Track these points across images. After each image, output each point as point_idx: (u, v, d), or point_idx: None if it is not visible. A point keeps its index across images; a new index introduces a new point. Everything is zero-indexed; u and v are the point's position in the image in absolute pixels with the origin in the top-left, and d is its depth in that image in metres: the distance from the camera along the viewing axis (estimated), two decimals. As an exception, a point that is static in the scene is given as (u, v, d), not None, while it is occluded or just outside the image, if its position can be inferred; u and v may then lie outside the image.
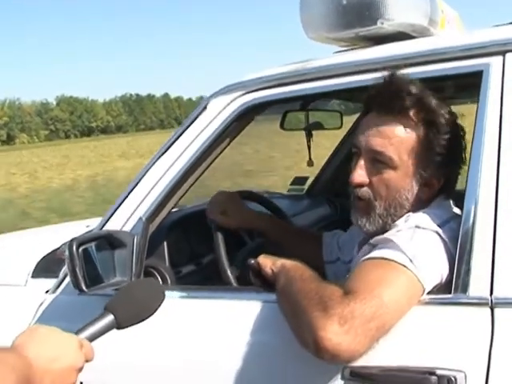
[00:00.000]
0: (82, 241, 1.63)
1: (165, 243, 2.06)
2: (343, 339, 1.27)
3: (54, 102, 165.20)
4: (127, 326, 1.27)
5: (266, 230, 2.10)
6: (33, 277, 2.03)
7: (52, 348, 1.11)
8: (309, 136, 2.63)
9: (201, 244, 2.21)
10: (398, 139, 1.55)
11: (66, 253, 1.61)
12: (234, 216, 1.98)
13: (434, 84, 1.58)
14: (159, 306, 1.32)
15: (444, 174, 1.59)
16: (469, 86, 1.56)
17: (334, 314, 1.29)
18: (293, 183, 3.23)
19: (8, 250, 2.54)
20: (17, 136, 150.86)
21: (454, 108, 1.64)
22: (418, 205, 1.59)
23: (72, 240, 1.61)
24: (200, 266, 2.21)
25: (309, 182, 3.23)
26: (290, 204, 2.97)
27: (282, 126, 2.48)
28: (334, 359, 1.30)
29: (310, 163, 2.67)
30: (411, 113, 1.54)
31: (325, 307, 1.31)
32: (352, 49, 1.80)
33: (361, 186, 1.61)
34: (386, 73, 1.54)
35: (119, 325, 1.26)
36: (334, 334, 1.27)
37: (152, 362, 1.64)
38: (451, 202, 1.62)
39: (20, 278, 2.05)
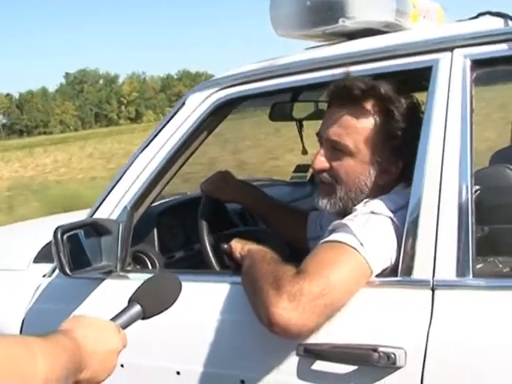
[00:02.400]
0: (66, 228, 1.76)
1: (155, 229, 2.18)
2: (292, 315, 1.39)
3: (175, 77, 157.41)
4: (151, 316, 1.35)
5: (252, 204, 2.22)
6: (34, 262, 2.18)
7: (97, 332, 1.19)
8: (300, 126, 2.73)
9: (195, 230, 2.33)
10: (353, 128, 1.67)
11: (52, 239, 1.75)
12: (224, 188, 2.11)
13: (389, 80, 1.66)
14: (178, 295, 1.40)
15: (402, 160, 1.68)
16: (422, 80, 1.63)
17: (284, 291, 1.41)
18: (295, 171, 3.32)
19: (15, 237, 2.71)
20: (144, 113, 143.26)
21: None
22: (378, 191, 1.69)
23: (57, 228, 1.75)
24: (193, 252, 2.33)
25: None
26: (293, 190, 3.08)
27: (270, 117, 2.59)
28: (284, 333, 1.42)
29: (304, 152, 2.76)
30: (365, 102, 1.65)
31: (277, 286, 1.43)
32: (322, 45, 1.89)
33: (322, 171, 1.74)
34: (343, 69, 1.65)
35: (145, 315, 1.33)
36: (284, 309, 1.39)
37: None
38: (410, 189, 1.71)
39: (23, 262, 2.20)
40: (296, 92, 2.26)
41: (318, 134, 1.77)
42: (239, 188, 2.19)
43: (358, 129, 1.67)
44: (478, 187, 1.59)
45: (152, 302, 1.35)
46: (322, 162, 1.73)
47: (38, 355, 1.00)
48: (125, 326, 1.29)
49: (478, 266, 1.53)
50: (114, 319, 1.28)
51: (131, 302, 1.33)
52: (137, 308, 1.32)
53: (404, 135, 1.66)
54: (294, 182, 3.28)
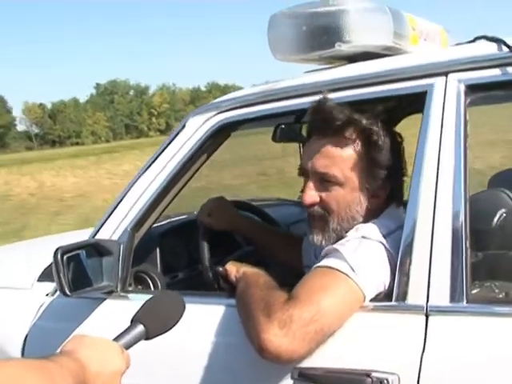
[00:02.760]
0: (66, 249, 1.79)
1: (157, 250, 2.20)
2: (282, 341, 1.40)
3: (204, 89, 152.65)
4: (155, 337, 1.34)
5: (249, 233, 2.24)
6: (39, 280, 2.21)
7: (101, 352, 1.18)
8: (303, 147, 2.73)
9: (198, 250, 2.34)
10: (339, 158, 1.68)
11: (53, 260, 1.77)
12: (219, 218, 2.11)
13: (384, 104, 1.68)
14: (181, 315, 1.39)
15: (389, 184, 1.69)
16: (417, 104, 1.64)
17: (275, 318, 1.42)
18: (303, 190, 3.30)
19: (20, 257, 2.74)
20: (173, 125, 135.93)
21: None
22: (369, 216, 1.69)
23: (57, 248, 1.77)
24: (196, 272, 2.34)
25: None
26: (300, 210, 3.07)
27: (273, 138, 2.60)
28: (275, 359, 1.43)
29: (300, 174, 2.75)
30: (346, 133, 1.66)
31: (268, 312, 1.45)
32: (322, 68, 1.91)
33: (313, 205, 1.73)
34: (318, 98, 1.67)
35: (148, 335, 1.32)
36: (274, 336, 1.41)
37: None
38: (401, 211, 1.72)
39: (27, 281, 2.23)
40: (296, 115, 2.27)
41: (300, 168, 1.78)
42: (233, 217, 2.20)
43: (344, 158, 1.68)
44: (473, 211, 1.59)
45: (155, 322, 1.34)
46: (312, 196, 1.73)
47: (44, 379, 1.00)
48: (128, 347, 1.28)
49: (474, 291, 1.53)
50: (117, 339, 1.27)
51: (134, 321, 1.32)
52: (140, 328, 1.31)
53: (387, 159, 1.67)
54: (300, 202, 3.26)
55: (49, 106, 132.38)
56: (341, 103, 1.67)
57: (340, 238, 1.68)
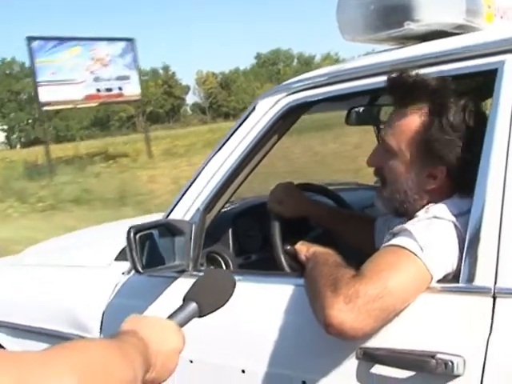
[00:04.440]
0: (138, 228, 1.84)
1: (230, 231, 2.24)
2: (347, 316, 1.40)
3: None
4: (207, 314, 1.35)
5: (319, 219, 2.24)
6: (116, 259, 2.29)
7: (160, 332, 1.19)
8: (377, 130, 2.71)
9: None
10: (399, 130, 1.67)
11: (126, 239, 1.83)
12: (288, 205, 2.12)
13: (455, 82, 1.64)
14: (232, 293, 1.41)
15: (452, 166, 1.64)
16: (488, 83, 1.60)
17: (340, 293, 1.43)
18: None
19: (102, 237, 2.85)
20: None
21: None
22: (427, 195, 1.68)
23: (130, 228, 1.83)
24: (269, 253, 2.36)
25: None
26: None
27: (346, 121, 2.59)
28: (339, 335, 1.43)
29: None
30: (416, 106, 1.64)
31: (335, 287, 1.45)
32: (390, 48, 1.88)
33: (373, 167, 1.79)
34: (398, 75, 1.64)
35: (201, 312, 1.33)
36: (339, 311, 1.41)
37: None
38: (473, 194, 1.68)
39: (106, 260, 2.32)
40: (369, 96, 2.26)
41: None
42: (302, 201, 2.21)
43: (403, 130, 1.67)
44: None
45: (207, 300, 1.35)
46: (372, 160, 1.78)
47: (124, 359, 1.02)
48: (182, 325, 1.28)
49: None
50: (171, 317, 1.29)
51: (187, 300, 1.33)
52: (193, 306, 1.32)
53: (450, 142, 1.62)
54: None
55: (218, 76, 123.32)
56: (417, 75, 1.63)
57: (393, 206, 1.74)
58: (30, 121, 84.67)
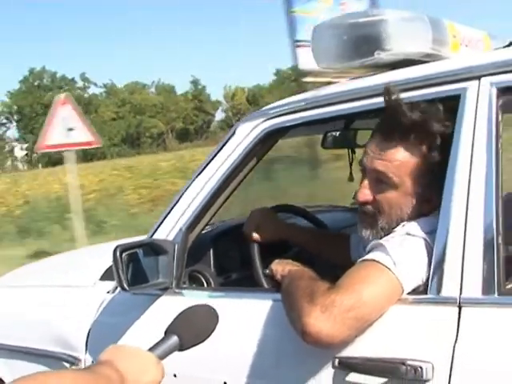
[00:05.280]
0: (124, 247, 1.93)
1: (211, 251, 2.32)
2: (323, 324, 1.50)
3: None
4: (188, 348, 1.38)
5: (296, 240, 2.34)
6: (100, 279, 2.36)
7: (138, 363, 1.21)
8: (352, 153, 2.81)
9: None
10: (398, 162, 1.73)
11: (112, 257, 1.91)
12: (265, 231, 2.20)
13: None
14: (215, 327, 1.45)
15: (441, 189, 1.70)
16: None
17: (317, 303, 1.52)
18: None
19: (86, 259, 2.93)
20: None
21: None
22: (417, 215, 1.75)
23: (116, 246, 1.91)
24: (248, 272, 2.45)
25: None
26: (353, 216, 3.15)
27: (322, 145, 2.70)
28: (316, 342, 1.53)
29: (351, 179, 2.83)
30: (411, 138, 1.71)
31: (311, 298, 1.54)
32: (363, 76, 2.00)
33: (365, 203, 1.81)
34: (387, 99, 1.71)
35: (182, 346, 1.36)
36: (316, 319, 1.50)
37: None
38: None
39: (91, 280, 2.39)
40: (341, 120, 2.37)
41: (360, 163, 1.85)
42: (278, 227, 2.28)
43: (402, 162, 1.73)
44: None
45: (189, 334, 1.38)
46: (365, 195, 1.80)
47: None
48: (162, 358, 1.31)
49: (508, 285, 1.59)
50: (152, 349, 1.31)
51: (168, 333, 1.36)
52: (174, 339, 1.34)
53: (445, 166, 1.68)
54: (352, 208, 3.36)
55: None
56: (412, 103, 1.70)
57: (387, 234, 1.76)
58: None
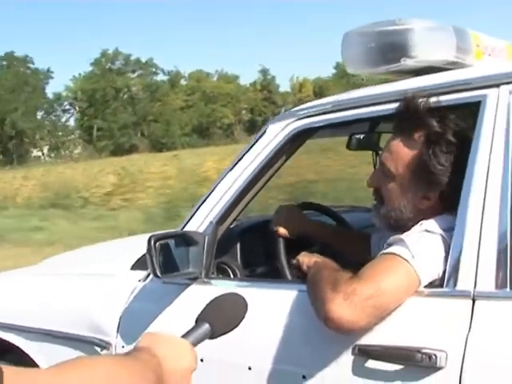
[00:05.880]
0: (158, 237, 2.04)
1: (238, 244, 2.43)
2: (345, 311, 1.61)
3: None
4: (219, 336, 1.41)
5: (321, 238, 2.45)
6: (132, 269, 2.48)
7: (175, 350, 1.22)
8: (376, 156, 2.91)
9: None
10: (397, 155, 1.88)
11: (147, 246, 2.03)
12: (291, 226, 2.32)
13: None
14: (244, 315, 1.50)
15: (441, 189, 1.84)
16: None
17: (340, 290, 1.63)
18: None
19: (118, 249, 3.06)
20: None
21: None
22: (420, 214, 1.87)
23: (151, 236, 2.03)
24: (272, 267, 2.56)
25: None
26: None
27: (348, 146, 2.80)
28: (337, 328, 1.64)
29: None
30: (415, 134, 1.84)
31: (334, 286, 1.66)
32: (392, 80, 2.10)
33: (372, 188, 1.99)
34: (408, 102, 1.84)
35: (213, 334, 1.38)
36: (338, 306, 1.61)
37: None
38: None
39: (123, 269, 2.51)
40: (366, 123, 2.47)
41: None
42: (304, 222, 2.40)
43: (402, 155, 1.87)
44: None
45: (219, 322, 1.42)
46: (372, 180, 1.98)
47: (134, 375, 1.08)
48: (195, 345, 1.33)
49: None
50: (184, 336, 1.33)
51: (200, 320, 1.39)
52: (206, 327, 1.38)
53: (444, 169, 1.82)
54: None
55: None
56: (426, 105, 1.82)
57: (388, 223, 1.94)
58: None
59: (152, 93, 65.87)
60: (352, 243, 2.43)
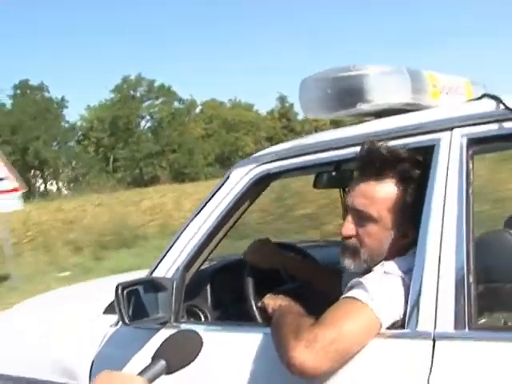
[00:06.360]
0: (125, 285, 2.06)
1: (208, 286, 2.46)
2: (307, 357, 1.64)
3: None
4: (175, 371, 1.50)
5: (292, 270, 2.51)
6: (104, 313, 2.50)
7: None
8: (343, 193, 2.96)
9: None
10: (376, 199, 1.89)
11: (114, 294, 2.05)
12: (264, 256, 2.38)
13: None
14: (199, 351, 1.58)
15: (419, 225, 1.85)
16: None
17: (302, 338, 1.67)
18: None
19: (93, 292, 3.07)
20: None
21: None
22: (396, 252, 1.90)
23: (118, 284, 2.05)
24: (243, 307, 2.58)
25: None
26: None
27: (314, 185, 2.85)
28: (301, 374, 1.67)
29: (344, 215, 2.97)
30: (386, 175, 1.87)
31: (296, 333, 1.69)
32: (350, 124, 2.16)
33: (349, 237, 1.96)
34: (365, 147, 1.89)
35: (169, 369, 1.48)
36: (300, 353, 1.65)
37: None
38: None
39: (95, 314, 2.53)
40: (327, 166, 2.52)
41: (343, 203, 2.02)
42: (277, 254, 2.46)
43: (381, 198, 1.88)
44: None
45: (175, 358, 1.51)
46: (349, 229, 1.95)
47: None
48: (151, 381, 1.44)
49: (480, 320, 1.72)
50: (141, 374, 1.43)
51: (156, 357, 1.49)
52: (162, 363, 1.48)
53: (420, 204, 1.84)
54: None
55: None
56: (387, 147, 1.87)
57: (369, 266, 1.91)
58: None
59: (169, 122, 63.38)
60: (325, 279, 2.47)
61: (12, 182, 9.51)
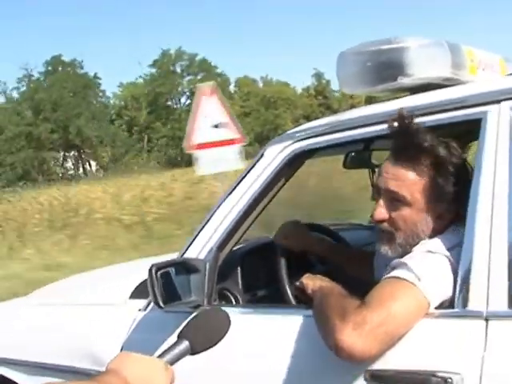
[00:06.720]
0: (159, 266, 2.00)
1: (239, 269, 2.40)
2: (355, 341, 1.58)
3: None
4: (200, 352, 1.45)
5: (323, 253, 2.46)
6: (130, 298, 2.45)
7: (145, 370, 1.25)
8: (372, 173, 2.90)
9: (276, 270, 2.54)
10: (410, 181, 1.83)
11: (148, 276, 1.99)
12: (295, 239, 2.34)
13: (445, 131, 1.84)
14: (227, 331, 1.52)
15: (454, 206, 1.84)
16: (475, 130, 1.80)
17: (349, 320, 1.61)
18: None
19: (116, 277, 3.01)
20: None
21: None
22: (433, 234, 1.85)
23: (152, 265, 1.99)
24: (273, 290, 2.53)
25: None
26: (370, 234, 3.24)
27: (344, 165, 2.79)
28: (349, 358, 1.61)
29: (373, 198, 2.93)
30: (420, 159, 1.82)
31: (343, 315, 1.63)
32: (388, 99, 2.09)
33: (382, 221, 1.91)
34: (401, 123, 1.83)
35: (193, 350, 1.42)
36: (349, 336, 1.59)
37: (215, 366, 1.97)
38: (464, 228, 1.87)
39: (121, 299, 2.47)
40: (364, 143, 2.46)
41: (374, 185, 1.96)
42: (307, 237, 2.42)
43: (414, 181, 1.83)
44: None
45: (200, 338, 1.45)
46: (381, 213, 1.90)
47: None
48: (172, 362, 1.37)
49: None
50: (161, 356, 1.37)
51: (179, 338, 1.43)
52: (185, 344, 1.41)
53: (456, 186, 1.82)
54: (371, 226, 3.44)
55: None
56: (423, 129, 1.82)
57: (405, 251, 1.85)
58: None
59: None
60: (356, 262, 2.43)
61: (231, 130, 6.64)
